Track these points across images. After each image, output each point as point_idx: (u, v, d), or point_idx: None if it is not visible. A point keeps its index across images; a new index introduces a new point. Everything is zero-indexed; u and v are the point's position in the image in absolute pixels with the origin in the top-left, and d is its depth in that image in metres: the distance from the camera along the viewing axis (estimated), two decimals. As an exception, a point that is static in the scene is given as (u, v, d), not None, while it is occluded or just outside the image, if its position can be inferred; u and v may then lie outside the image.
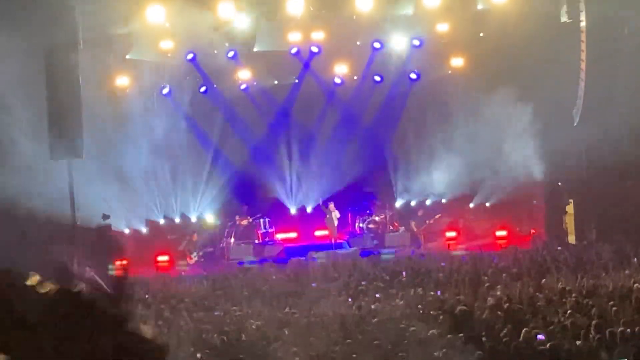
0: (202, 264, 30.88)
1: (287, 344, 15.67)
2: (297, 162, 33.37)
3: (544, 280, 20.76)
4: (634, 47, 27.31)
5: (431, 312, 17.63)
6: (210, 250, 32.18)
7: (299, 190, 33.70)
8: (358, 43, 32.03)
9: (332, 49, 31.66)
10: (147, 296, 22.30)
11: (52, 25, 25.96)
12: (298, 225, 33.82)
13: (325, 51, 31.53)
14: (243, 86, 32.78)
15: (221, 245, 32.32)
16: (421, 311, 18.07)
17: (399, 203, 34.14)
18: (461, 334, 15.28)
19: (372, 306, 19.26)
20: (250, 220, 32.75)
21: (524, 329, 15.31)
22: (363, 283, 22.41)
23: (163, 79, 31.43)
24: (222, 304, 20.73)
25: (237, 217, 32.78)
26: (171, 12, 28.65)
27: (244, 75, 32.21)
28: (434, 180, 32.89)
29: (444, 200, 33.54)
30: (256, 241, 32.41)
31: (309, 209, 33.87)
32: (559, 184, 30.78)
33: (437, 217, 33.08)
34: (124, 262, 29.48)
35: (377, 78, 33.01)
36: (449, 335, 15.14)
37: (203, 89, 32.40)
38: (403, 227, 33.23)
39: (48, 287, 4.23)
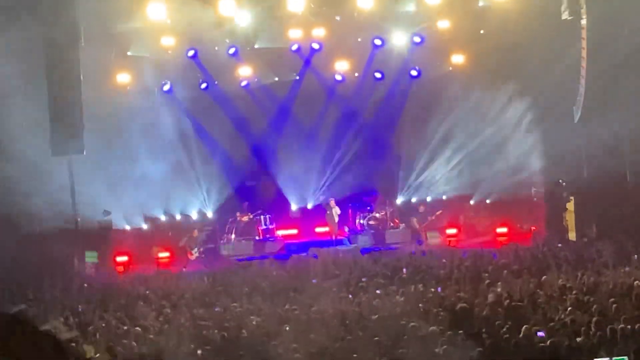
0: (203, 260, 30.90)
1: (288, 341, 15.70)
2: (298, 158, 33.35)
3: (544, 277, 20.77)
4: (635, 45, 27.30)
5: (432, 309, 17.65)
6: (211, 247, 32.19)
7: (300, 187, 33.70)
8: (359, 40, 32.02)
9: (333, 46, 31.65)
10: (147, 292, 22.33)
11: (53, 22, 26.00)
12: (299, 221, 33.85)
13: (326, 48, 31.53)
14: (244, 83, 32.77)
15: (222, 241, 32.34)
16: (422, 308, 18.09)
17: (399, 200, 34.16)
18: (461, 331, 15.30)
19: (373, 303, 19.27)
20: (251, 216, 32.76)
21: (525, 326, 15.35)
22: (363, 280, 22.43)
23: (164, 76, 31.44)
24: (222, 300, 20.75)
25: (237, 214, 32.80)
26: (172, 9, 28.70)
27: (245, 71, 32.22)
28: (435, 177, 32.90)
29: (444, 197, 33.55)
30: (257, 237, 32.44)
31: (309, 206, 33.90)
32: (560, 181, 30.78)
33: (438, 213, 33.10)
34: (125, 258, 29.70)
35: (378, 75, 33.00)
36: (449, 332, 15.17)
37: (204, 85, 32.40)
38: (404, 224, 33.25)
39: None
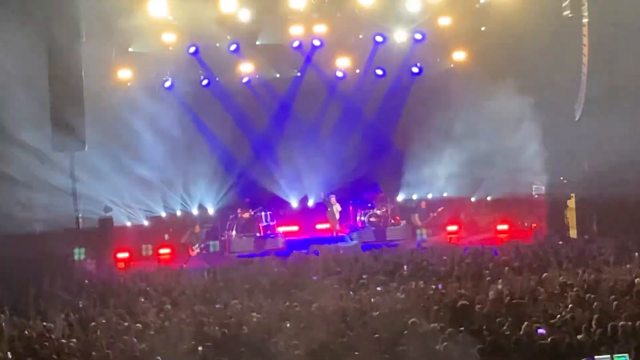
0: (204, 257, 30.91)
1: (288, 337, 15.69)
2: (299, 155, 33.34)
3: (545, 274, 20.74)
4: (636, 42, 27.28)
5: (432, 306, 17.64)
6: (212, 243, 32.19)
7: (301, 184, 33.69)
8: (360, 37, 32.04)
9: (334, 43, 31.67)
10: (148, 289, 22.33)
11: (55, 18, 26.02)
12: (299, 218, 33.84)
13: (328, 44, 31.55)
14: (245, 79, 32.79)
15: (223, 238, 32.34)
16: (422, 305, 18.08)
17: (400, 197, 34.14)
18: (462, 328, 15.30)
19: (373, 299, 19.26)
20: (252, 213, 32.76)
21: (525, 323, 15.33)
22: (364, 276, 22.41)
23: (165, 72, 31.45)
24: (223, 296, 20.75)
25: (238, 210, 32.80)
26: (173, 5, 28.75)
27: (246, 68, 32.23)
28: (436, 174, 32.87)
29: (445, 194, 33.54)
30: (257, 234, 32.43)
31: (310, 202, 33.89)
32: (561, 178, 30.76)
33: (440, 210, 33.10)
34: (126, 254, 29.72)
35: (379, 72, 32.98)
36: (450, 329, 15.15)
37: (205, 81, 32.43)
38: (404, 221, 33.24)
39: None
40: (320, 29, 30.93)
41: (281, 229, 33.14)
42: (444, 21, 30.74)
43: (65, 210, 27.12)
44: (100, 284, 24.01)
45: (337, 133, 33.72)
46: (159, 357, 15.06)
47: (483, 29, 31.20)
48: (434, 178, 33.05)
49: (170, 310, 19.28)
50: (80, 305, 20.58)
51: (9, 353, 15.79)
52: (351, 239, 32.23)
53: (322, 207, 33.15)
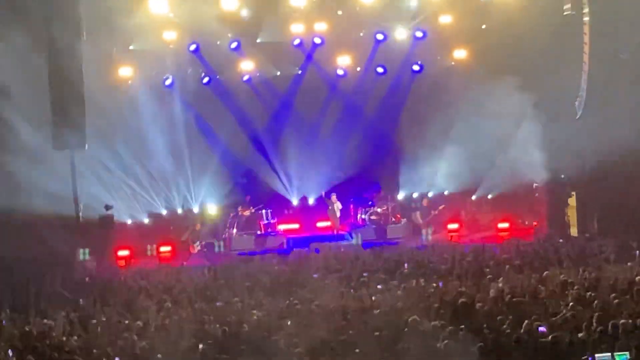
0: (205, 254, 30.92)
1: (289, 335, 15.70)
2: (300, 153, 33.34)
3: (546, 272, 20.74)
4: (637, 39, 27.27)
5: (433, 304, 17.64)
6: (212, 241, 32.19)
7: (301, 182, 33.69)
8: (361, 34, 32.03)
9: (335, 41, 31.65)
10: (148, 286, 22.33)
11: (55, 15, 25.96)
12: (300, 216, 33.85)
13: (328, 42, 31.53)
14: (246, 77, 32.77)
15: (223, 236, 32.35)
16: (423, 303, 18.07)
17: (401, 195, 34.14)
18: (463, 326, 15.29)
19: (374, 297, 19.27)
20: (253, 211, 32.78)
21: (526, 321, 15.33)
22: (365, 274, 22.41)
23: (166, 70, 31.43)
24: (223, 294, 20.74)
25: (239, 208, 32.82)
26: (174, 3, 28.76)
27: (247, 66, 32.22)
28: (437, 172, 32.87)
29: (446, 192, 33.54)
30: (258, 232, 32.44)
31: (311, 200, 33.90)
32: (562, 176, 30.76)
33: (441, 208, 33.12)
34: (127, 252, 29.71)
35: (380, 70, 32.97)
36: (450, 327, 15.15)
37: (206, 79, 32.42)
38: (405, 219, 33.25)
39: None
40: (321, 26, 30.93)
41: (282, 227, 33.15)
42: (445, 19, 30.73)
43: (66, 208, 27.08)
44: (100, 282, 24.01)
45: (337, 131, 33.72)
46: (159, 355, 15.07)
47: (484, 27, 31.19)
48: (434, 176, 33.07)
49: (171, 308, 19.27)
50: (81, 303, 20.59)
51: (9, 351, 15.78)
52: (352, 237, 32.23)
53: (322, 205, 33.17)
